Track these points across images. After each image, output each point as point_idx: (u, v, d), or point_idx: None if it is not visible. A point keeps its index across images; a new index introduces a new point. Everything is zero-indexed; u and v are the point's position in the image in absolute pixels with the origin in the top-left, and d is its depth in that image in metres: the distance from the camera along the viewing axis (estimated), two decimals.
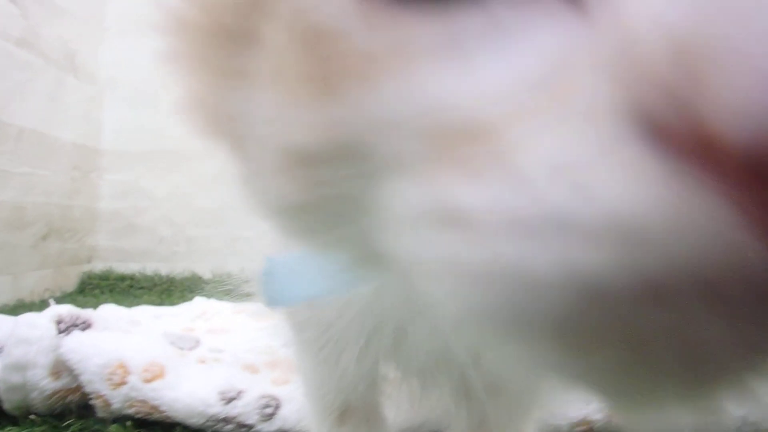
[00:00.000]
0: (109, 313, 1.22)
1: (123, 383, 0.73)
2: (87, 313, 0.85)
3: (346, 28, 0.18)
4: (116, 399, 0.72)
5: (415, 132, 0.17)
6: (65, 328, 0.79)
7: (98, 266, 2.17)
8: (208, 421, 0.70)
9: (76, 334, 0.78)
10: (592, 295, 0.14)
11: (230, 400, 0.71)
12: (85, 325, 0.81)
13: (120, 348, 0.76)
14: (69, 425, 0.73)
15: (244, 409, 0.71)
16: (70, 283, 2.04)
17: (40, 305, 1.76)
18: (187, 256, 2.18)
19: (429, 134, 0.17)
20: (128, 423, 0.72)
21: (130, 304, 1.72)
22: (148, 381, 0.73)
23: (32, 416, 0.74)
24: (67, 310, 0.82)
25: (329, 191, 0.20)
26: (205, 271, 2.12)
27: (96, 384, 0.73)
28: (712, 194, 0.13)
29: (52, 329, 0.78)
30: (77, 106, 2.05)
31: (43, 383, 0.75)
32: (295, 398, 0.72)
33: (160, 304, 1.74)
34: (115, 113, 2.21)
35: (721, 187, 0.13)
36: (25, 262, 1.78)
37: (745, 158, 0.12)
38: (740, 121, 0.12)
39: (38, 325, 0.77)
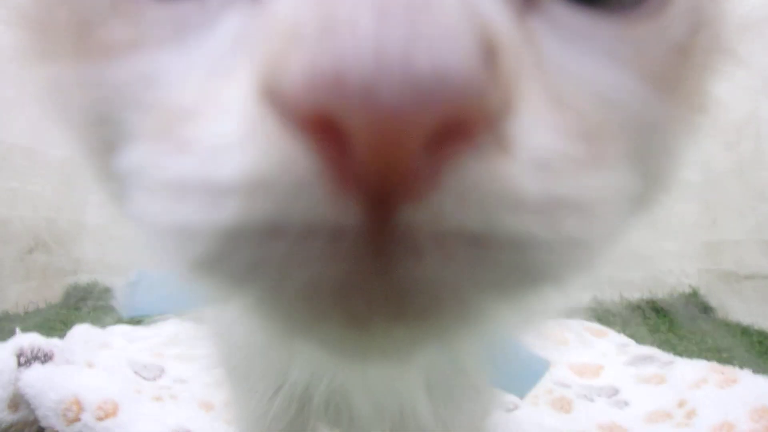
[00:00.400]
0: (80, 334, 1.24)
1: (77, 420, 0.74)
2: (49, 344, 0.87)
3: (101, 13, 0.22)
4: None
5: (141, 107, 0.20)
6: (25, 361, 0.81)
7: (84, 278, 2.19)
8: None
9: (36, 368, 0.80)
10: (234, 235, 0.17)
11: None
12: (46, 358, 0.83)
13: (76, 384, 0.78)
14: None
15: None
16: (55, 295, 2.06)
17: (24, 317, 1.78)
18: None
19: (149, 110, 0.20)
20: None
21: (110, 319, 1.74)
22: (101, 419, 0.75)
23: None
24: (29, 342, 0.84)
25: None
26: None
27: (51, 419, 0.75)
28: (300, 150, 0.16)
29: (12, 362, 0.80)
30: None
31: (1, 416, 0.76)
32: None
33: (141, 319, 1.76)
34: None
35: (302, 143, 0.16)
36: (10, 275, 1.80)
37: (309, 115, 0.15)
38: (301, 87, 0.15)
39: None
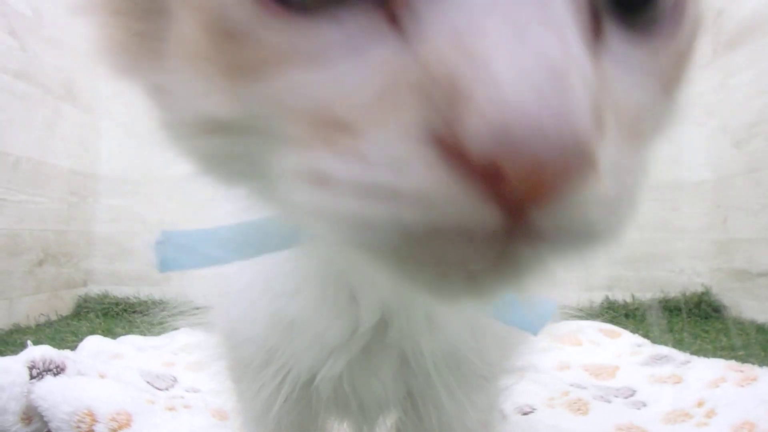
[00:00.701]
0: (93, 346, 1.24)
1: (90, 431, 0.74)
2: (61, 356, 0.87)
3: (249, 30, 0.23)
4: None
5: (296, 117, 0.23)
6: (37, 373, 0.80)
7: (94, 290, 2.20)
8: None
9: (48, 380, 0.80)
10: (403, 233, 0.22)
11: None
12: (58, 370, 0.83)
13: (89, 395, 0.78)
14: None
15: None
16: (66, 307, 2.07)
17: (36, 329, 1.79)
18: (180, 278, 2.20)
19: (305, 120, 0.23)
20: None
21: (121, 330, 1.75)
22: (114, 430, 0.74)
23: None
24: (40, 354, 0.84)
25: (233, 152, 0.27)
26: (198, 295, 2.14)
27: (64, 431, 0.75)
28: (462, 176, 0.21)
29: (25, 375, 0.79)
30: (74, 133, 2.10)
31: (15, 428, 0.76)
32: None
33: (151, 328, 1.76)
34: (112, 140, 2.25)
35: (466, 173, 0.21)
36: (21, 287, 1.81)
37: (480, 162, 0.20)
38: (477, 141, 0.20)
39: (11, 371, 0.79)
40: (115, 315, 2.04)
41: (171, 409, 0.84)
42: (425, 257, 0.23)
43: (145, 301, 2.15)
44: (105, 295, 2.16)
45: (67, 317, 2.01)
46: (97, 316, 2.03)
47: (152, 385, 0.99)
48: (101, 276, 2.23)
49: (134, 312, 2.08)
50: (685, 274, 2.29)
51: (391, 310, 0.41)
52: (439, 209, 0.21)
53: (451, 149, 0.20)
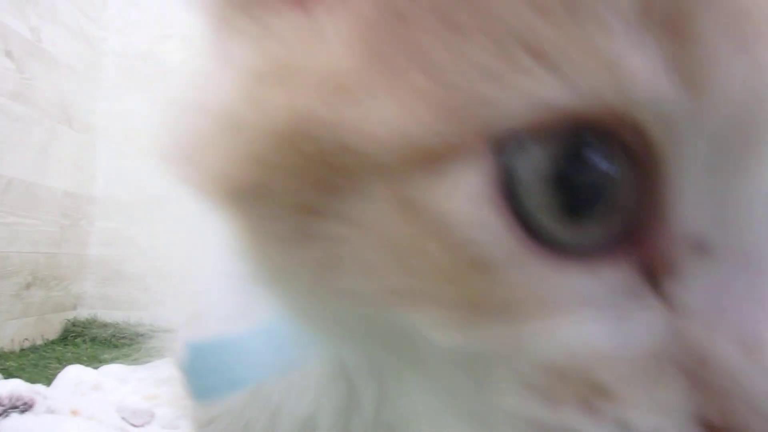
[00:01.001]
0: (73, 375, 1.21)
1: None
2: (31, 391, 0.84)
3: (500, 264, 0.18)
4: None
5: (540, 365, 0.19)
6: (2, 411, 0.77)
7: (83, 313, 2.17)
8: None
9: (14, 417, 0.77)
10: None
11: None
12: (25, 407, 0.80)
13: None
14: None
15: None
16: (53, 331, 2.03)
17: (20, 354, 1.75)
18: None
19: (552, 371, 0.19)
20: None
21: (107, 356, 1.71)
22: None
23: None
24: (8, 390, 0.81)
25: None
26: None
27: None
28: None
29: None
30: (70, 155, 2.09)
31: None
32: None
33: (138, 356, 1.72)
34: (108, 162, 2.24)
35: None
36: (7, 311, 1.78)
37: None
38: None
39: None
40: (102, 341, 2.01)
41: None
42: None
43: (135, 326, 2.12)
44: (94, 320, 2.13)
45: (53, 342, 1.98)
46: (84, 342, 1.99)
47: (128, 422, 0.95)
48: (92, 299, 2.20)
49: (123, 337, 2.04)
50: None
51: None
52: None
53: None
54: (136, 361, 1.51)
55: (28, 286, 1.86)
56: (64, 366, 1.47)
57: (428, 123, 0.17)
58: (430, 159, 0.18)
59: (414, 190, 0.18)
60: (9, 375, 1.44)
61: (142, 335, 1.73)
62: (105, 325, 2.08)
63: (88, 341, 1.99)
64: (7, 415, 0.77)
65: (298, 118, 0.18)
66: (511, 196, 0.18)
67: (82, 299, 2.20)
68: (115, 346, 1.95)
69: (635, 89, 0.16)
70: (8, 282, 1.77)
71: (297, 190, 0.19)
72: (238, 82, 0.20)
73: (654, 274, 0.19)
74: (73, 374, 1.23)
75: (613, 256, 0.19)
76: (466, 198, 0.18)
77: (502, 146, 0.18)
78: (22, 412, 0.79)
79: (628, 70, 0.16)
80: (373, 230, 0.19)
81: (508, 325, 0.19)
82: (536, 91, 0.16)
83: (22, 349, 1.80)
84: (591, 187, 0.18)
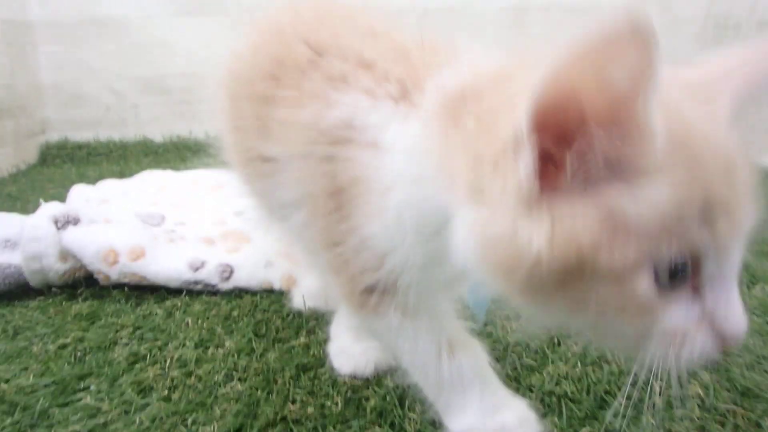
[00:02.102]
0: (79, 195, 1.46)
1: (116, 263, 1.01)
2: (74, 209, 1.10)
3: (653, 303, 0.41)
4: (113, 273, 1.01)
5: (660, 331, 0.43)
6: (61, 225, 1.04)
7: (53, 137, 2.33)
8: (183, 284, 1.01)
9: (71, 229, 1.04)
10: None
11: (197, 269, 1.01)
12: (76, 221, 1.06)
13: (108, 237, 1.03)
14: (81, 292, 1.03)
15: (207, 274, 1.01)
16: (32, 156, 2.22)
17: (12, 180, 1.96)
18: (135, 122, 2.36)
19: (668, 333, 0.43)
20: (125, 288, 1.02)
21: (92, 173, 1.95)
22: (133, 260, 1.01)
23: (54, 289, 1.04)
24: (57, 209, 1.07)
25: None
26: (155, 134, 2.32)
27: (96, 264, 1.01)
28: (716, 346, 0.45)
29: (52, 227, 1.03)
30: None
31: (56, 266, 1.02)
32: (243, 265, 1.03)
33: (120, 170, 1.97)
34: None
35: (718, 345, 0.45)
36: None
37: (727, 342, 0.44)
38: (731, 337, 0.44)
39: (41, 226, 1.02)
40: (81, 159, 2.22)
41: (171, 241, 1.11)
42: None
43: (107, 144, 2.32)
44: (66, 141, 2.30)
45: (35, 166, 2.18)
46: (64, 162, 2.20)
47: (147, 223, 1.24)
48: (58, 123, 2.34)
49: (98, 155, 2.26)
50: None
51: None
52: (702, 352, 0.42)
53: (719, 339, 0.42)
54: (121, 175, 1.77)
55: None
56: (59, 186, 1.70)
57: (639, 258, 0.39)
58: (630, 271, 0.39)
59: (622, 285, 0.40)
60: (14, 199, 1.69)
61: (113, 152, 2.02)
62: (79, 147, 2.27)
63: (68, 161, 2.20)
64: (65, 228, 1.04)
65: (569, 257, 0.39)
66: (656, 273, 0.40)
67: (49, 124, 2.34)
68: (94, 163, 2.17)
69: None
70: None
71: (563, 277, 0.40)
72: (544, 235, 0.39)
73: (697, 289, 0.42)
74: (80, 193, 1.48)
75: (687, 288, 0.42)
76: (646, 280, 0.40)
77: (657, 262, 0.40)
78: (75, 224, 1.06)
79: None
80: (602, 294, 0.40)
81: (654, 322, 0.42)
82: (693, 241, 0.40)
83: (11, 175, 2.01)
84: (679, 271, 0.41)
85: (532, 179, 0.38)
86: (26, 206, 1.46)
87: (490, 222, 0.41)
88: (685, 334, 0.42)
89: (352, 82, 0.54)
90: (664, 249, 0.39)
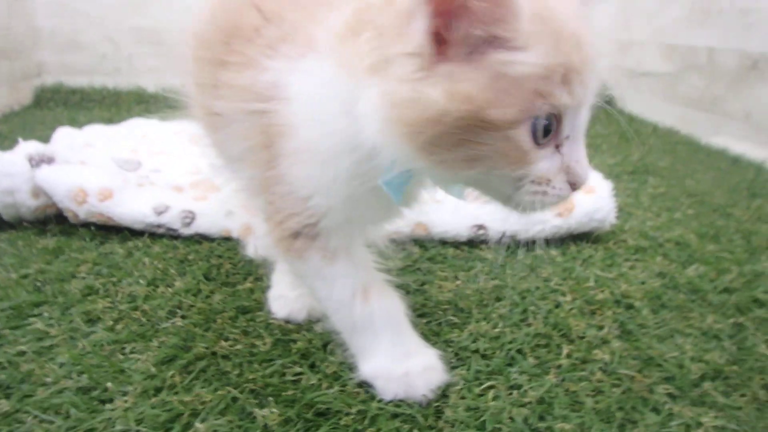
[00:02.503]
0: (64, 137, 1.49)
1: (84, 202, 1.05)
2: (49, 149, 1.14)
3: (529, 152, 0.51)
4: (82, 212, 1.06)
5: (533, 178, 0.54)
6: (35, 163, 1.09)
7: (48, 80, 2.36)
8: (146, 227, 1.05)
9: (44, 168, 1.09)
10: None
11: (160, 213, 1.05)
12: (50, 160, 1.11)
13: (78, 178, 1.07)
14: (50, 228, 1.08)
15: (170, 219, 1.05)
16: (26, 97, 2.26)
17: (4, 119, 2.00)
18: (129, 71, 2.39)
19: (541, 179, 0.54)
20: (92, 227, 1.07)
21: (83, 118, 1.98)
22: (101, 201, 1.05)
23: (25, 224, 1.08)
24: (34, 148, 1.11)
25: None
26: (148, 84, 2.35)
27: (66, 203, 1.06)
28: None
29: (27, 165, 1.08)
30: None
31: (28, 202, 1.07)
32: (206, 213, 1.07)
33: (110, 116, 2.01)
34: None
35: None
36: None
37: None
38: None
39: (16, 162, 1.07)
40: (74, 104, 2.25)
41: (140, 185, 1.15)
42: None
43: (100, 91, 2.35)
44: (60, 85, 2.34)
45: (29, 107, 2.22)
46: (57, 105, 2.24)
47: (123, 168, 1.29)
48: (53, 67, 2.37)
49: (91, 101, 2.29)
50: None
51: None
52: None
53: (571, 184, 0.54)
54: (110, 121, 1.81)
55: None
56: (48, 128, 1.73)
57: (519, 114, 0.48)
58: (514, 125, 0.49)
59: (508, 137, 0.49)
60: (3, 137, 1.73)
61: (110, 98, 2.08)
62: (73, 92, 2.30)
63: (61, 105, 2.24)
64: (39, 166, 1.08)
65: (465, 111, 0.47)
66: (534, 131, 0.50)
67: (45, 67, 2.37)
68: (87, 109, 2.21)
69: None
70: None
71: (460, 135, 0.49)
72: (442, 93, 0.47)
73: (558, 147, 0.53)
74: (64, 135, 1.51)
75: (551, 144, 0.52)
76: (525, 133, 0.49)
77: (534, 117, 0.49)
78: (49, 163, 1.10)
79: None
80: (491, 146, 0.49)
81: (522, 168, 0.51)
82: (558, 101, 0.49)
83: (4, 115, 2.05)
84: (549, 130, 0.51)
85: (427, 43, 0.47)
86: (13, 146, 1.50)
87: (396, 89, 0.48)
88: (549, 179, 0.53)
89: (280, 48, 0.60)
90: (538, 107, 0.49)
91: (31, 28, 2.28)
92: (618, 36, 2.50)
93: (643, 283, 0.94)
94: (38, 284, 0.88)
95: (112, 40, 2.36)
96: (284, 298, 0.81)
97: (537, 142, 0.50)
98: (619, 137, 2.01)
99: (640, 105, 2.40)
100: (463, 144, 0.49)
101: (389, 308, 0.66)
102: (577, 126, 0.53)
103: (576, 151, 0.54)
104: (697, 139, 2.02)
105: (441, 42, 0.47)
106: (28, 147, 1.12)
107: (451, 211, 1.07)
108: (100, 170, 1.14)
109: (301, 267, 0.65)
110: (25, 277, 0.90)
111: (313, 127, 0.57)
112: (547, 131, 0.51)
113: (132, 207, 1.06)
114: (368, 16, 0.51)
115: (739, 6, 1.88)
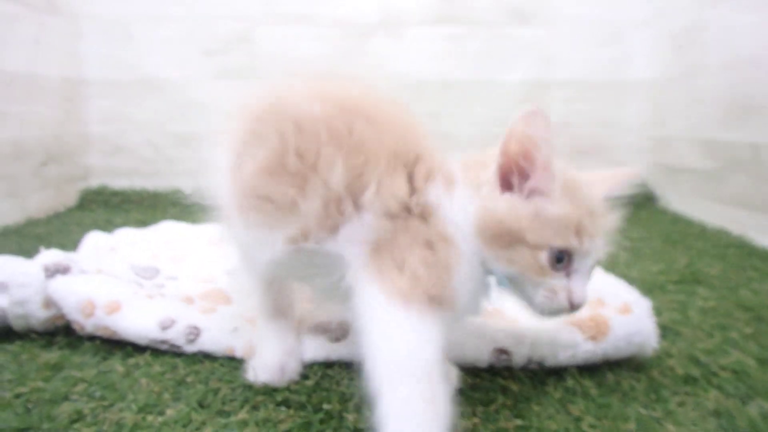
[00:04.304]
0: (92, 241, 1.52)
1: (92, 315, 1.03)
2: (67, 258, 1.15)
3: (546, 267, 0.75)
4: (89, 325, 1.04)
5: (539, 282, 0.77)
6: (50, 273, 1.09)
7: (94, 183, 2.47)
8: (150, 342, 1.02)
9: (59, 278, 1.08)
10: None
11: (165, 328, 1.02)
12: (65, 270, 1.11)
13: (88, 289, 1.06)
14: (57, 341, 1.06)
15: (175, 335, 1.02)
16: (71, 199, 2.35)
17: (46, 221, 2.08)
18: (168, 173, 2.48)
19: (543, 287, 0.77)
20: (97, 341, 1.05)
21: (119, 220, 2.04)
22: (108, 314, 1.03)
23: (33, 334, 1.07)
24: (52, 258, 1.12)
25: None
26: (186, 186, 2.42)
27: (74, 315, 1.04)
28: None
29: (41, 275, 1.08)
30: (60, 43, 2.25)
31: (39, 313, 1.06)
32: (211, 328, 1.04)
33: (144, 219, 2.05)
34: (97, 46, 2.41)
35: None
36: (29, 187, 2.08)
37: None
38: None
39: (30, 273, 1.07)
40: (114, 206, 2.33)
41: (150, 297, 1.14)
42: None
43: (140, 193, 2.44)
44: (104, 188, 2.44)
45: (72, 209, 2.30)
46: (99, 207, 2.32)
47: (140, 276, 1.28)
48: (99, 171, 2.49)
49: (130, 202, 2.37)
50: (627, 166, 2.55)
51: None
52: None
53: (571, 302, 0.76)
54: (144, 224, 1.85)
55: (43, 163, 2.14)
56: (84, 229, 1.78)
57: (543, 242, 0.73)
58: (539, 248, 0.74)
59: (532, 251, 0.73)
60: (40, 239, 1.78)
61: (148, 200, 2.13)
62: (115, 194, 2.39)
63: (102, 206, 2.32)
64: (53, 276, 1.08)
65: (514, 226, 0.74)
66: (551, 257, 0.74)
67: (91, 171, 2.49)
68: (125, 210, 2.28)
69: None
70: (26, 163, 2.05)
71: (509, 240, 0.74)
72: (504, 210, 0.74)
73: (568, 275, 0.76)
74: (93, 240, 1.54)
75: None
76: (545, 256, 0.74)
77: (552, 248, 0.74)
78: (64, 273, 1.10)
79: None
80: (524, 256, 0.74)
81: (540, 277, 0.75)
82: (566, 243, 0.74)
83: (47, 216, 2.13)
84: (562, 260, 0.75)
85: (496, 178, 0.75)
86: (55, 248, 1.54)
87: (482, 202, 0.75)
88: (556, 292, 0.75)
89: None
90: (556, 241, 0.73)
91: (83, 133, 2.41)
92: (654, 132, 2.46)
93: (695, 424, 0.81)
94: (29, 406, 0.84)
95: (154, 144, 2.47)
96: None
97: (554, 265, 0.73)
98: (663, 240, 1.89)
99: (682, 204, 2.29)
100: (511, 247, 0.73)
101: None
102: (583, 265, 0.76)
103: (578, 282, 0.75)
104: (750, 241, 1.85)
105: (509, 181, 0.75)
106: (46, 256, 1.12)
107: (470, 332, 0.99)
108: (112, 280, 1.13)
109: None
110: (18, 396, 0.87)
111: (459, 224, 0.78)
112: (560, 260, 0.74)
113: (138, 321, 1.03)
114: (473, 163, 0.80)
115: None
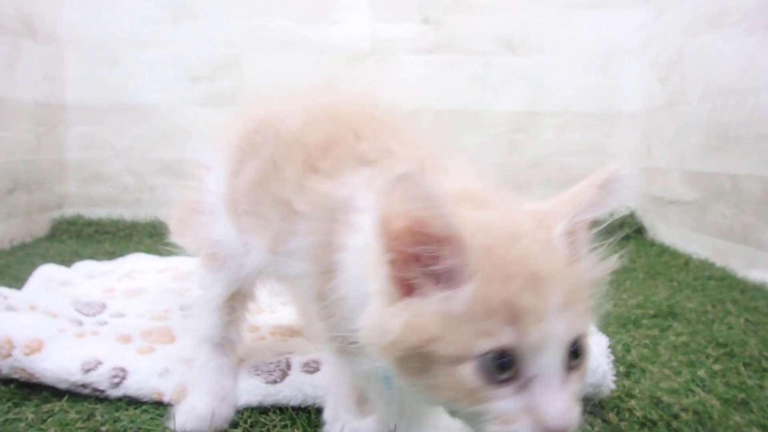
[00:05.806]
0: (45, 273, 1.42)
1: (9, 355, 0.92)
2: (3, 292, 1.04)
3: (477, 391, 0.50)
4: (5, 367, 0.92)
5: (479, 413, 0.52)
6: None
7: (69, 212, 2.38)
8: (70, 386, 0.90)
9: None
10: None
11: (88, 371, 0.91)
12: None
13: (9, 327, 0.95)
14: None
15: (98, 378, 0.90)
16: (41, 229, 2.25)
17: (9, 252, 1.97)
18: (149, 202, 2.39)
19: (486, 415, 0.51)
20: (12, 385, 0.93)
21: (88, 251, 1.93)
22: (27, 354, 0.92)
23: None
24: None
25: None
26: (166, 217, 2.33)
27: None
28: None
29: None
30: (36, 67, 2.19)
31: None
32: (139, 371, 0.92)
33: (114, 250, 1.95)
34: (79, 71, 2.36)
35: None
36: None
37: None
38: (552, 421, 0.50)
39: None
40: (86, 237, 2.23)
41: (80, 336, 1.02)
42: None
43: (116, 222, 2.34)
44: (79, 217, 2.34)
45: (41, 239, 2.20)
46: (71, 238, 2.21)
47: (81, 312, 1.17)
48: (76, 199, 2.40)
49: (105, 233, 2.27)
50: None
51: None
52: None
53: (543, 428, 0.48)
54: (113, 255, 1.73)
55: (10, 191, 2.06)
56: (47, 261, 1.68)
57: (461, 351, 0.48)
58: (457, 361, 0.49)
59: (454, 368, 0.49)
60: None
61: (120, 231, 1.99)
62: (89, 223, 2.29)
63: (74, 237, 2.22)
64: None
65: (416, 342, 0.49)
66: (485, 370, 0.48)
67: (67, 199, 2.40)
68: (98, 241, 2.17)
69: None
70: None
71: (419, 363, 0.50)
72: (400, 324, 0.50)
73: (524, 387, 0.49)
74: (46, 272, 1.44)
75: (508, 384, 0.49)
76: (470, 370, 0.49)
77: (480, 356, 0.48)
78: None
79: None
80: (443, 379, 0.49)
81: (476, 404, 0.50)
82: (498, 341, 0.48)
83: (12, 247, 2.03)
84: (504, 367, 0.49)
85: (390, 285, 0.51)
86: (8, 281, 1.43)
87: (371, 314, 0.53)
88: (506, 421, 0.49)
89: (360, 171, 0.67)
90: (480, 344, 0.48)
91: (59, 160, 2.34)
92: (642, 163, 2.37)
93: None
94: None
95: (135, 172, 2.39)
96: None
97: (491, 380, 0.49)
98: (646, 272, 1.80)
99: (670, 235, 2.21)
100: (425, 371, 0.50)
101: None
102: (545, 365, 0.49)
103: (547, 392, 0.49)
104: (733, 273, 1.78)
105: (405, 282, 0.51)
106: None
107: None
108: (39, 317, 1.02)
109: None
110: None
111: (354, 269, 0.60)
112: (503, 367, 0.49)
113: (59, 362, 0.92)
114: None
115: (755, 132, 1.76)
